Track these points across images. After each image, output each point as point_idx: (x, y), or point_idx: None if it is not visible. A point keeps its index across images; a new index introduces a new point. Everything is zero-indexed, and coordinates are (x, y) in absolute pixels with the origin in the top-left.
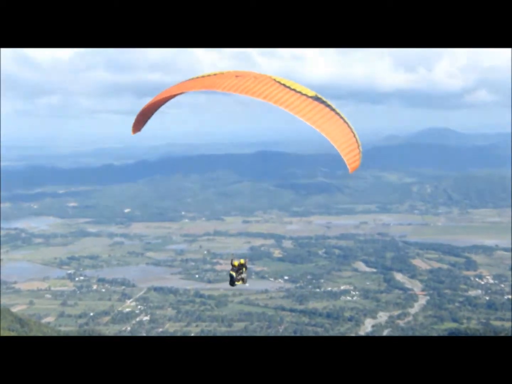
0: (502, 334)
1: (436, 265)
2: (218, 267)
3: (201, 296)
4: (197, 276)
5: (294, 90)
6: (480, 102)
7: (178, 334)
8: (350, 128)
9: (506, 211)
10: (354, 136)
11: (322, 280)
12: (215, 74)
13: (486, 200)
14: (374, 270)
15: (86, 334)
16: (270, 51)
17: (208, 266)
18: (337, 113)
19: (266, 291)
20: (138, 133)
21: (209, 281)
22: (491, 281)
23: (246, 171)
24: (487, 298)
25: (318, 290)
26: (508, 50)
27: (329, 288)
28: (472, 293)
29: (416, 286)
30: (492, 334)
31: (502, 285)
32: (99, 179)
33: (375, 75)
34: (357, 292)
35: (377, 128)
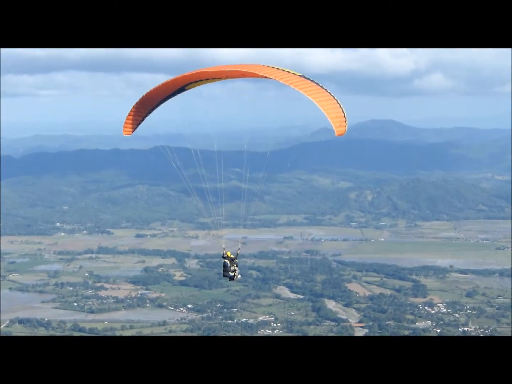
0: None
1: (377, 290)
2: (102, 293)
3: (81, 330)
4: (75, 304)
5: (284, 70)
6: (433, 88)
7: None
8: (336, 99)
9: (462, 224)
10: (340, 106)
11: (235, 310)
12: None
13: (439, 210)
14: (301, 296)
15: None
16: None
17: (90, 292)
18: (324, 88)
19: (164, 323)
20: None
21: (91, 311)
22: (444, 310)
23: (139, 171)
24: (438, 330)
25: (230, 321)
26: None
27: (244, 319)
28: (420, 324)
29: (352, 317)
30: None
31: (457, 315)
32: None
33: (304, 52)
34: (279, 324)
35: (306, 120)
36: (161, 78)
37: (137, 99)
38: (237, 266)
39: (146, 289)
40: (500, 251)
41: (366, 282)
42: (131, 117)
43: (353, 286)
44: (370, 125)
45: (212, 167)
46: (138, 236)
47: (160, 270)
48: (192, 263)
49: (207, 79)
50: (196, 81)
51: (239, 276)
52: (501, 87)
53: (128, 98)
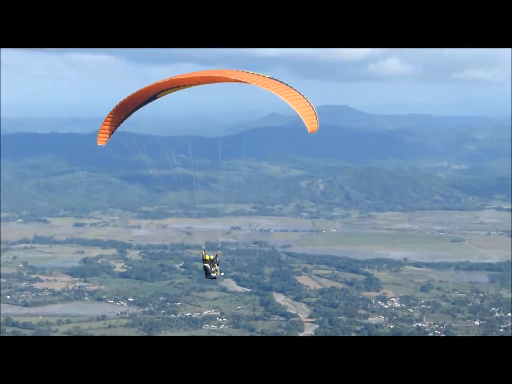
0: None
1: (328, 283)
2: (38, 285)
3: (14, 324)
4: (8, 297)
5: (253, 73)
6: (389, 73)
7: None
8: (306, 98)
9: (417, 215)
10: (310, 104)
11: (179, 303)
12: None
13: (393, 200)
14: (248, 290)
15: None
16: None
17: (24, 284)
18: (294, 88)
19: (104, 317)
20: None
21: (26, 304)
22: (397, 304)
23: (79, 157)
24: (391, 326)
25: (173, 316)
26: None
27: (189, 314)
28: (373, 319)
29: (302, 311)
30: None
31: (411, 310)
32: None
33: None
34: (225, 319)
35: (255, 105)
36: (103, 59)
37: (75, 79)
38: (217, 265)
39: (85, 281)
40: (456, 243)
41: (316, 275)
42: (106, 126)
43: (303, 279)
44: (323, 111)
45: (155, 152)
46: (76, 225)
47: (99, 261)
48: (133, 254)
49: (179, 86)
50: (168, 89)
51: (221, 273)
52: (459, 73)
53: (68, 79)
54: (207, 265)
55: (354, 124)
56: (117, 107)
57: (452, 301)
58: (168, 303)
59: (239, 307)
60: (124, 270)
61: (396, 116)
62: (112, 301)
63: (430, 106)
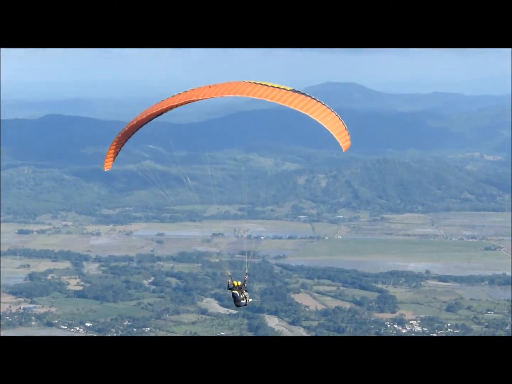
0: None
1: (333, 303)
2: None
3: None
4: None
5: (273, 86)
6: None
7: None
8: (334, 112)
9: (442, 217)
10: (340, 119)
11: (148, 329)
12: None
13: (412, 199)
14: (234, 312)
15: None
16: None
17: None
18: (318, 101)
19: None
20: None
21: None
22: (418, 328)
23: (24, 148)
24: None
25: None
26: None
27: None
28: None
29: None
30: None
31: (434, 335)
32: None
33: None
34: None
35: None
36: None
37: (22, 56)
38: (246, 291)
39: (31, 302)
40: (490, 251)
41: (318, 292)
42: (112, 151)
43: (302, 298)
44: (326, 89)
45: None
46: (21, 232)
47: (49, 277)
48: (91, 268)
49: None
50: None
51: (250, 300)
52: None
53: (14, 56)
54: (236, 292)
55: (364, 105)
56: (121, 133)
57: (485, 323)
58: (135, 329)
59: (222, 333)
60: (80, 288)
61: (416, 95)
62: (66, 327)
63: (458, 82)
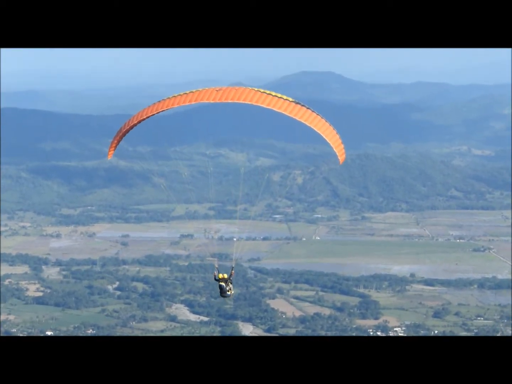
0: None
1: (311, 309)
2: None
3: None
4: None
5: (276, 96)
6: None
7: None
8: (330, 124)
9: (427, 216)
10: (337, 132)
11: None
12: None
13: (395, 197)
14: (205, 319)
15: None
16: None
17: None
18: (320, 116)
19: None
20: None
21: None
22: (403, 335)
23: None
24: None
25: None
26: None
27: None
28: None
29: None
30: None
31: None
32: None
33: None
34: None
35: (221, 71)
36: None
37: None
38: (231, 284)
39: None
40: (479, 253)
41: (295, 297)
42: (115, 141)
43: (278, 304)
44: (301, 79)
45: (78, 137)
46: None
47: (6, 282)
48: (52, 273)
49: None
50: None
51: (233, 291)
52: None
53: None
54: (223, 283)
55: (342, 96)
56: (125, 125)
57: (475, 330)
58: None
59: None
60: (40, 294)
61: (399, 85)
62: (25, 335)
63: (444, 72)
